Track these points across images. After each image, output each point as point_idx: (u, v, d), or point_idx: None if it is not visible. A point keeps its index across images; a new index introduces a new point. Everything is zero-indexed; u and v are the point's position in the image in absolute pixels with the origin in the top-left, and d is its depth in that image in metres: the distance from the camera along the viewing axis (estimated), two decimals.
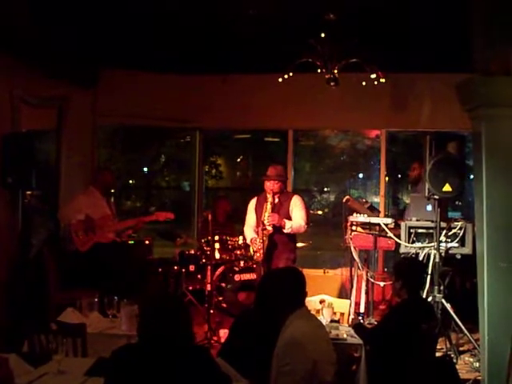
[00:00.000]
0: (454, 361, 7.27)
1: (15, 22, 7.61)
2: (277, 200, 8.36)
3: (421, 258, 7.92)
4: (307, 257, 8.82)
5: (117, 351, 3.86)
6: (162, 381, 3.64)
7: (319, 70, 8.65)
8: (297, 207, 8.35)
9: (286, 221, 8.20)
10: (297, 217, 8.30)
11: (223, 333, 7.93)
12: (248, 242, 8.71)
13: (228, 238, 9.80)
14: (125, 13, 8.13)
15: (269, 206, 8.27)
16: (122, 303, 6.10)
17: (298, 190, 11.63)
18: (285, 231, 8.22)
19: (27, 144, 8.02)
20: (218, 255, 9.66)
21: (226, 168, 17.48)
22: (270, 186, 8.31)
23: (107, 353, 4.05)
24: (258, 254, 8.31)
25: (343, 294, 9.43)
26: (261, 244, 8.26)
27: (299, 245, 9.03)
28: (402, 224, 8.24)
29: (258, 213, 8.44)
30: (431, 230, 8.01)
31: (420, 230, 8.17)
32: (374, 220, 8.66)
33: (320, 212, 15.84)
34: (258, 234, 8.32)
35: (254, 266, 9.30)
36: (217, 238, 9.57)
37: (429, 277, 7.72)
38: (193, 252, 10.32)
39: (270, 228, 8.23)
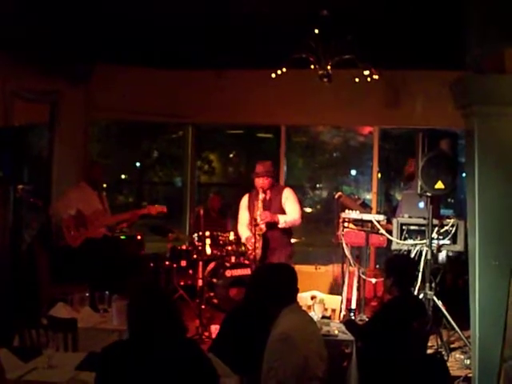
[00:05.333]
0: (445, 358, 7.29)
1: (8, 16, 7.58)
2: (268, 195, 8.37)
3: (413, 255, 7.93)
4: (299, 253, 8.82)
5: (107, 347, 3.87)
6: (152, 374, 3.65)
7: (312, 66, 8.65)
8: (289, 200, 8.35)
9: (279, 216, 8.21)
10: (290, 210, 8.31)
11: (214, 328, 7.93)
12: (243, 240, 8.70)
13: (219, 234, 9.80)
14: (119, 8, 8.11)
15: (260, 203, 8.28)
16: (113, 298, 6.08)
17: (290, 186, 11.62)
18: (279, 226, 8.23)
19: (20, 138, 7.99)
20: (209, 251, 9.67)
21: (219, 164, 17.48)
22: (260, 182, 8.32)
23: (98, 347, 4.05)
24: (252, 256, 8.28)
25: (335, 290, 9.43)
26: (254, 245, 8.24)
27: (291, 241, 9.03)
28: (394, 221, 8.24)
29: (250, 210, 8.44)
30: (423, 227, 8.02)
31: (412, 227, 8.17)
32: (366, 217, 8.67)
33: (311, 209, 15.84)
34: (251, 232, 8.31)
35: (247, 262, 9.31)
36: (208, 233, 9.58)
37: (420, 274, 7.74)
38: (184, 247, 10.34)
39: (263, 226, 8.24)
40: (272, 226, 8.25)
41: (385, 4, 7.74)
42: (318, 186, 16.26)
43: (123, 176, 16.79)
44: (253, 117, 11.28)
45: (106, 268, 8.29)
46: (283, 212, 8.30)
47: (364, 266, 8.89)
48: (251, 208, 8.41)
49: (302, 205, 8.73)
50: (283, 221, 8.22)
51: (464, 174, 7.46)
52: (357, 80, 8.92)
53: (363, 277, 8.75)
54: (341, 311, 7.45)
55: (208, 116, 11.39)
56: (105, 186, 10.80)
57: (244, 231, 8.58)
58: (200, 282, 8.73)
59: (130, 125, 13.33)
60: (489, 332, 5.70)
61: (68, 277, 8.22)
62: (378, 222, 8.49)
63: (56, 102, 9.66)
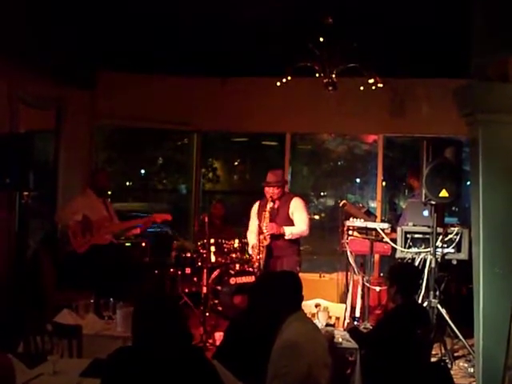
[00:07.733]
0: (449, 366, 7.29)
1: (14, 23, 7.61)
2: (277, 204, 8.34)
3: (417, 264, 7.93)
4: (303, 261, 8.79)
5: (112, 354, 3.87)
6: (156, 381, 3.65)
7: (317, 75, 8.66)
8: (297, 210, 8.30)
9: (285, 228, 8.17)
10: (298, 221, 8.26)
11: (218, 335, 7.94)
12: (249, 248, 8.69)
13: (224, 242, 9.81)
14: (123, 14, 8.15)
15: (267, 214, 8.24)
16: (117, 305, 6.10)
17: (294, 193, 11.64)
18: (286, 238, 8.20)
19: (25, 144, 8.00)
20: (213, 258, 9.68)
21: (224, 171, 17.44)
22: (270, 191, 8.28)
23: (102, 354, 4.06)
24: (257, 264, 8.28)
25: (339, 298, 9.43)
26: (258, 255, 8.22)
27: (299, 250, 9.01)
28: (398, 229, 8.25)
29: (259, 218, 8.42)
30: (427, 236, 8.02)
31: (416, 235, 8.18)
32: (370, 225, 8.67)
33: (317, 216, 15.81)
34: (258, 241, 8.29)
35: (251, 269, 9.30)
36: (212, 241, 9.59)
37: (424, 282, 7.74)
38: (189, 255, 10.33)
39: (267, 239, 8.20)
40: (278, 235, 8.23)
41: (389, 12, 7.77)
42: (322, 193, 16.23)
43: (128, 183, 16.77)
44: (258, 124, 11.29)
45: (110, 275, 8.30)
46: (290, 222, 8.26)
47: (368, 274, 8.89)
48: (260, 216, 8.39)
49: (309, 215, 8.68)
50: (289, 232, 8.18)
51: (468, 182, 7.47)
52: (361, 88, 8.93)
53: (367, 285, 8.75)
54: (345, 319, 7.44)
55: (213, 123, 11.40)
56: (109, 193, 10.79)
57: (252, 239, 8.56)
58: (204, 290, 8.74)
59: (134, 132, 13.32)
60: (493, 340, 5.71)
61: (73, 283, 8.23)
62: (383, 230, 8.49)
63: (61, 108, 9.69)
